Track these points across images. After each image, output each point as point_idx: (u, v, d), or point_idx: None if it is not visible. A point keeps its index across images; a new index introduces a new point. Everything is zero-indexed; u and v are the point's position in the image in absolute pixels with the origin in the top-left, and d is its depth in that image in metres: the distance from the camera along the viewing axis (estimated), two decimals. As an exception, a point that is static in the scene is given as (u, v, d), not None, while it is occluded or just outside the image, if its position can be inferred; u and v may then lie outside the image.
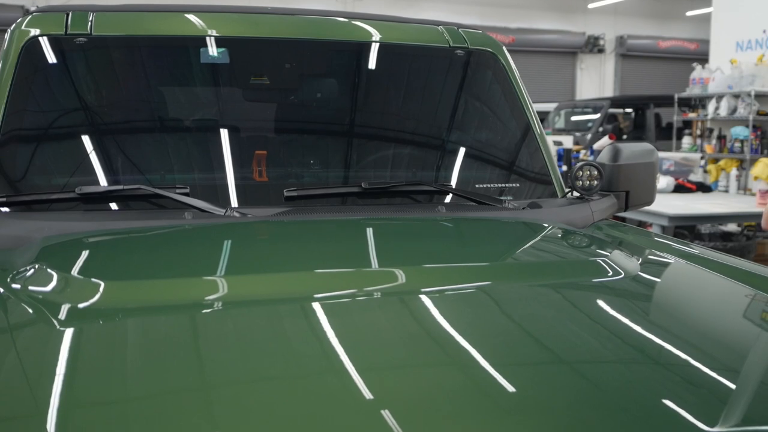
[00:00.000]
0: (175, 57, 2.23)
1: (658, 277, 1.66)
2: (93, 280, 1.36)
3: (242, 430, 0.87)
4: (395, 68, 2.39)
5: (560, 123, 12.93)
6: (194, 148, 2.12)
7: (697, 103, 9.49)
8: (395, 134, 2.32)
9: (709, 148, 9.04)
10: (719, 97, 8.82)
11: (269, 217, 1.85)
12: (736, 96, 8.60)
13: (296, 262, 1.56)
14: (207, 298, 1.31)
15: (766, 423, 0.98)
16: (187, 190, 1.87)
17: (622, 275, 1.53)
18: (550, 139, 8.06)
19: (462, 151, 2.31)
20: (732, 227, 7.71)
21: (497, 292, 1.40)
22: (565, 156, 7.44)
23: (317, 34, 2.32)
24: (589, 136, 11.31)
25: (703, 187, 7.50)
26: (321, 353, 1.11)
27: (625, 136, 12.25)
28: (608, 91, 18.73)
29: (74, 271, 1.46)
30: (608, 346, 1.21)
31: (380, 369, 1.06)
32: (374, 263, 1.60)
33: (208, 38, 2.18)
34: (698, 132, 9.43)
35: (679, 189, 7.21)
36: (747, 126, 8.39)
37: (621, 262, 1.62)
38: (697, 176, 8.02)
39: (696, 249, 1.87)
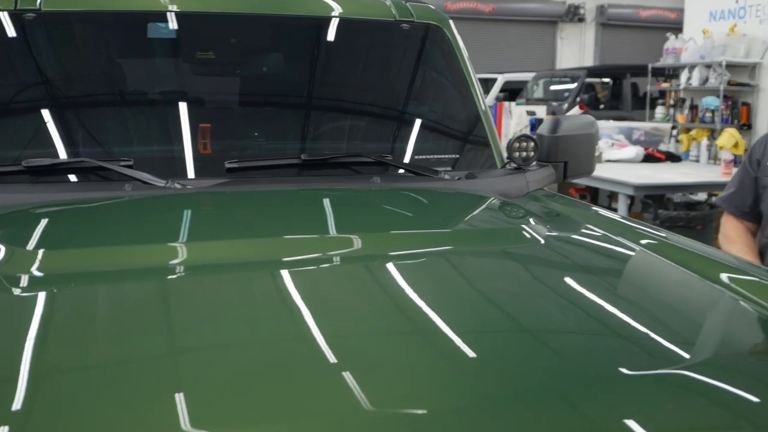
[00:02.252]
0: (123, 32, 2.28)
1: (571, 244, 1.75)
2: (37, 249, 1.44)
3: (195, 399, 0.92)
4: (340, 42, 2.44)
5: (539, 92, 12.98)
6: (139, 122, 2.18)
7: (671, 73, 9.58)
8: (338, 107, 2.39)
9: (682, 117, 9.14)
10: (691, 67, 8.91)
11: (209, 188, 1.91)
12: (708, 66, 8.69)
13: (229, 230, 1.64)
14: (143, 264, 1.38)
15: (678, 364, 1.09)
16: (131, 163, 1.94)
17: (536, 242, 1.62)
18: (523, 109, 8.12)
19: (403, 123, 2.38)
20: (703, 197, 7.82)
21: (403, 257, 1.49)
22: (537, 126, 7.50)
23: (263, 8, 2.36)
24: (565, 105, 11.38)
25: (672, 157, 7.60)
26: (249, 318, 1.17)
27: (602, 106, 12.34)
28: (588, 61, 18.76)
29: (20, 241, 1.53)
30: (517, 310, 1.29)
31: (310, 332, 1.12)
32: (305, 231, 1.67)
33: (154, 13, 2.23)
34: (671, 102, 9.53)
35: (648, 159, 7.30)
36: (718, 96, 8.49)
37: (537, 229, 1.72)
38: (668, 146, 8.12)
39: (622, 219, 1.97)
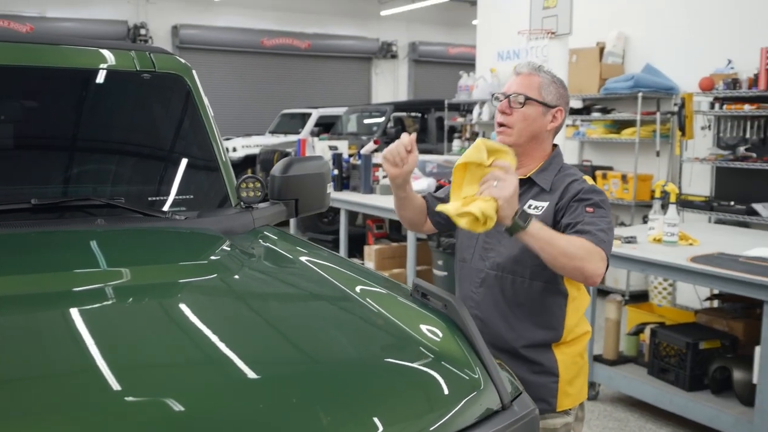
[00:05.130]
0: None
1: (263, 273, 2.02)
2: None
3: None
4: (80, 92, 2.57)
5: (352, 126, 13.41)
6: None
7: (465, 108, 10.27)
8: (78, 154, 2.51)
9: (475, 150, 9.80)
10: (482, 103, 9.60)
11: None
12: (496, 102, 9.38)
13: None
14: None
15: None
16: None
17: (233, 271, 1.87)
18: (326, 144, 8.44)
19: (140, 168, 2.56)
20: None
21: (90, 294, 1.66)
22: (336, 161, 7.81)
23: (5, 59, 2.44)
24: (373, 139, 11.83)
25: (462, 187, 8.13)
26: None
27: (410, 139, 12.92)
28: (402, 95, 19.58)
29: None
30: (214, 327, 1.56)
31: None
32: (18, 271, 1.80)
33: None
34: (467, 135, 10.20)
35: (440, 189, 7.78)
36: (505, 130, 9.18)
37: (241, 261, 2.00)
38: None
39: (316, 250, 2.26)
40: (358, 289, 1.83)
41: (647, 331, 4.78)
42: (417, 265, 6.74)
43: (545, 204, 2.32)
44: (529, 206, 2.34)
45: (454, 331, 1.65)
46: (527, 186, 2.37)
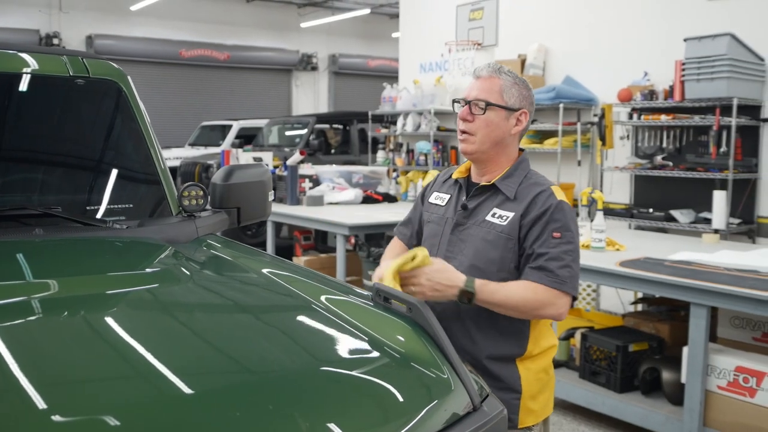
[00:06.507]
0: None
1: (213, 282, 1.98)
2: None
3: None
4: (11, 97, 2.46)
5: (273, 138, 13.32)
6: None
7: (389, 119, 10.31)
8: (12, 163, 2.41)
9: (400, 161, 9.85)
10: (406, 114, 9.65)
11: None
12: (420, 113, 9.47)
13: None
14: None
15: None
16: None
17: (179, 280, 1.81)
18: (250, 155, 8.34)
19: (77, 176, 2.46)
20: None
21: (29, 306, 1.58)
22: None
23: None
24: (297, 150, 11.77)
25: (389, 198, 8.15)
26: None
27: (333, 150, 12.94)
28: (323, 107, 19.58)
29: None
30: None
31: None
32: None
33: None
34: (391, 146, 10.23)
35: (367, 200, 7.79)
36: (429, 141, 9.26)
37: (188, 269, 1.93)
38: (389, 188, 8.71)
39: (265, 258, 2.21)
40: (318, 295, 1.80)
41: (578, 336, 4.86)
42: (346, 275, 6.70)
43: (510, 214, 2.24)
44: (494, 214, 2.27)
45: (421, 333, 1.63)
46: (491, 193, 2.31)
